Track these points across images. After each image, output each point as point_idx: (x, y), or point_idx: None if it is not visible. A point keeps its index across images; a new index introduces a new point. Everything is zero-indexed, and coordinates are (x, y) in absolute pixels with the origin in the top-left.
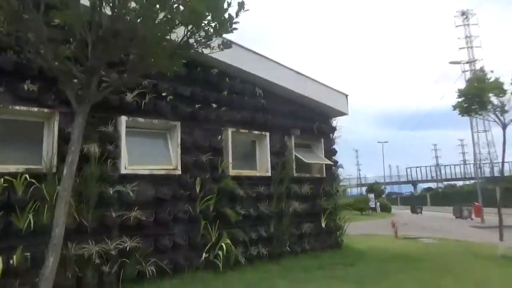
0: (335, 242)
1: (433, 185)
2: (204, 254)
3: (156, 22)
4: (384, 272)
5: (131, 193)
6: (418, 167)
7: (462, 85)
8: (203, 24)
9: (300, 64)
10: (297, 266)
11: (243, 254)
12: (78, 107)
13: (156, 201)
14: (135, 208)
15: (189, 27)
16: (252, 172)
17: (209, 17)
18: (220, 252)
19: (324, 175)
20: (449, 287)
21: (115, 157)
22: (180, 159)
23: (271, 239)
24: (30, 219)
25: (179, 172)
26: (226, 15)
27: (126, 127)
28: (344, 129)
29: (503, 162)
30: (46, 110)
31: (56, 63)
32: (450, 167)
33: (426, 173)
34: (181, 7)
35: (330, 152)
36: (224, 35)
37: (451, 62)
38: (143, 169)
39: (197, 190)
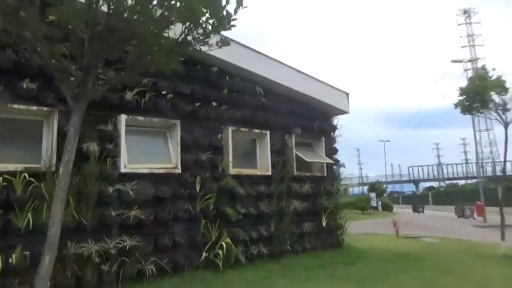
0: (336, 241)
1: (435, 184)
2: (204, 253)
3: (153, 19)
4: (385, 271)
5: (130, 192)
6: (420, 166)
7: (464, 83)
8: (201, 21)
9: (300, 63)
10: (298, 265)
11: (244, 253)
12: (74, 105)
13: (156, 200)
14: (135, 207)
15: (187, 24)
16: (253, 170)
17: (207, 15)
18: (220, 251)
19: (325, 174)
20: (450, 287)
21: (115, 155)
22: (180, 157)
23: (271, 238)
24: (29, 218)
25: (179, 170)
26: (224, 12)
27: (126, 125)
28: (346, 128)
29: (505, 161)
30: (45, 108)
31: (53, 60)
32: (452, 166)
33: (428, 172)
34: (178, 4)
35: (331, 151)
36: (224, 33)
37: (453, 61)
38: (142, 168)
39: (197, 188)
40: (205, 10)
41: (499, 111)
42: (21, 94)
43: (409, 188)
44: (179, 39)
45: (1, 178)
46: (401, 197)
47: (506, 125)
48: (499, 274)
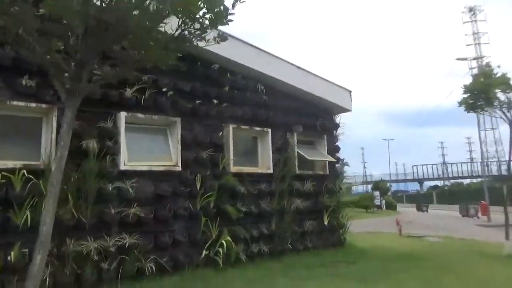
0: (338, 240)
1: (439, 183)
2: (204, 251)
3: (147, 13)
4: (386, 270)
5: (130, 190)
6: (424, 165)
7: (469, 82)
8: (197, 16)
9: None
10: (299, 264)
11: (244, 252)
12: (68, 100)
13: (156, 197)
14: (135, 205)
15: (183, 19)
16: (254, 169)
17: (204, 9)
18: (220, 249)
19: (327, 172)
20: (451, 287)
21: (114, 153)
22: (180, 155)
23: (272, 236)
24: (27, 215)
25: (179, 168)
26: (222, 7)
27: (126, 122)
28: (350, 126)
29: (510, 160)
30: (44, 105)
31: (48, 56)
32: (457, 165)
33: (433, 171)
34: None
35: (333, 149)
36: (223, 29)
37: (458, 59)
38: (142, 165)
39: (198, 186)
40: (202, 5)
41: (504, 109)
42: (20, 91)
43: (413, 187)
44: (175, 34)
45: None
46: (405, 196)
47: (511, 124)
48: (502, 274)
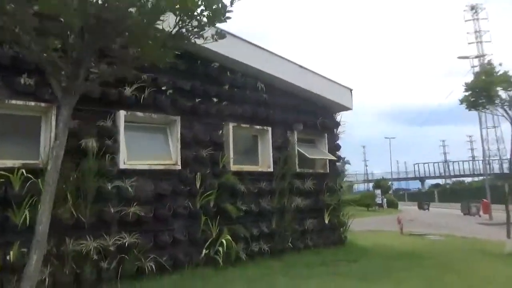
0: (339, 239)
1: (441, 181)
2: (204, 250)
3: (143, 9)
4: (387, 269)
5: (130, 189)
6: (426, 163)
7: (471, 80)
8: (195, 13)
9: (304, 60)
10: (299, 262)
11: (244, 250)
12: (64, 99)
13: (155, 196)
14: (134, 204)
15: (180, 16)
16: (254, 167)
17: (202, 7)
18: (220, 248)
19: (328, 171)
20: (453, 285)
21: (114, 152)
22: (180, 154)
23: (273, 235)
24: (26, 214)
25: (179, 167)
26: (220, 4)
27: (125, 121)
28: (352, 125)
29: (511, 158)
30: (43, 104)
31: (44, 54)
32: (459, 164)
33: (434, 169)
34: None
35: (334, 148)
36: (222, 26)
37: (460, 57)
38: (142, 164)
39: (197, 185)
40: (199, 2)
41: (505, 107)
42: (18, 90)
43: (415, 185)
44: (174, 32)
45: None
46: (407, 194)
47: None
48: (504, 272)
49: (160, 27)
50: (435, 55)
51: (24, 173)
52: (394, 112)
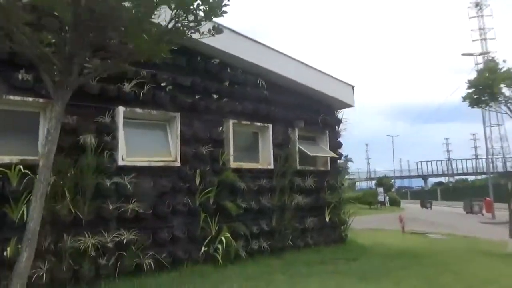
0: (339, 237)
1: (444, 179)
2: (203, 247)
3: (136, 2)
4: (387, 267)
5: (128, 185)
6: (428, 161)
7: (474, 77)
8: (191, 8)
9: (306, 57)
10: (299, 261)
11: (244, 248)
12: (56, 94)
13: (154, 193)
14: (133, 200)
15: (176, 10)
16: (254, 164)
17: (198, 1)
18: (220, 246)
19: (329, 168)
20: (452, 285)
21: (112, 148)
22: (179, 150)
23: (273, 233)
24: (23, 210)
25: (178, 164)
26: None
27: (124, 118)
28: (355, 122)
29: None
30: (41, 100)
31: (38, 50)
32: (462, 162)
33: (437, 168)
34: None
35: (336, 145)
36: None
37: (464, 54)
38: (141, 161)
39: (197, 182)
40: None
41: (509, 104)
42: (16, 85)
43: (417, 184)
44: (171, 26)
45: None
46: (410, 192)
47: None
48: (504, 272)
49: (156, 21)
50: (439, 53)
51: (22, 169)
52: (398, 109)
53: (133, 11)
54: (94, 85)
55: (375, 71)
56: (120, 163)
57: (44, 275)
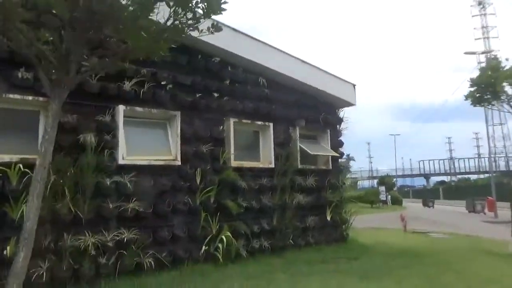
0: (341, 236)
1: (446, 178)
2: (204, 246)
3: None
4: (388, 267)
5: (129, 184)
6: (431, 160)
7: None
8: (190, 5)
9: (308, 56)
10: (300, 260)
11: (245, 247)
12: (53, 92)
13: (155, 192)
14: (133, 199)
15: (174, 8)
16: (255, 163)
17: None
18: (220, 245)
19: (330, 167)
20: (453, 285)
21: (113, 147)
22: (180, 149)
23: (273, 232)
24: (23, 209)
25: (178, 162)
26: None
27: (124, 116)
28: (357, 121)
29: None
30: (41, 98)
31: (34, 47)
32: (464, 161)
33: (439, 167)
34: None
35: (337, 144)
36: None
37: (467, 53)
38: (141, 160)
39: (197, 181)
40: None
41: (511, 103)
42: (16, 84)
43: (420, 182)
44: (170, 24)
45: None
46: (412, 191)
47: None
48: (506, 272)
49: (154, 19)
50: (441, 51)
51: (22, 168)
52: (400, 108)
53: (131, 8)
54: (94, 83)
55: (377, 70)
56: (120, 162)
57: (44, 274)
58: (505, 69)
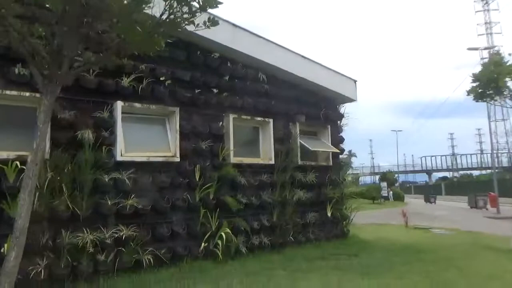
0: (341, 232)
1: (448, 174)
2: (203, 243)
3: None
4: (388, 263)
5: (127, 181)
6: (433, 156)
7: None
8: None
9: (310, 52)
10: (300, 256)
11: (244, 244)
12: (45, 88)
13: (153, 188)
14: (132, 196)
15: (170, 1)
16: (255, 159)
17: None
18: (220, 241)
19: (331, 163)
20: (454, 281)
21: (111, 143)
22: (179, 146)
23: (273, 228)
24: None
25: (177, 159)
26: None
27: (122, 112)
28: (359, 117)
29: None
30: (38, 95)
31: (27, 42)
32: (467, 157)
33: (441, 163)
34: None
35: (337, 140)
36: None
37: (470, 49)
38: (140, 156)
39: (197, 177)
40: None
41: None
42: (13, 80)
43: (422, 178)
44: (165, 18)
45: None
46: (414, 187)
47: None
48: (507, 268)
49: (150, 12)
50: (444, 47)
51: (19, 165)
52: (402, 104)
53: (125, 1)
54: (92, 79)
55: (380, 67)
56: (119, 158)
57: (42, 271)
58: (508, 64)
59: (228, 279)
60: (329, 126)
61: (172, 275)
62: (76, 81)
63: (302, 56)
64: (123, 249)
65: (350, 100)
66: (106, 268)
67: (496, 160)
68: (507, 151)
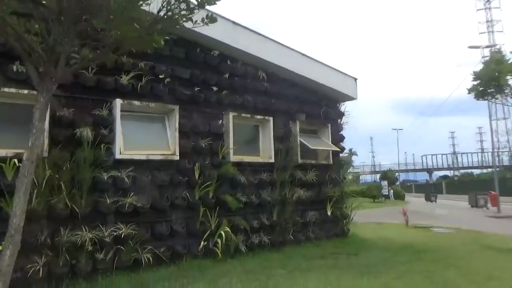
0: (341, 231)
1: (449, 173)
2: (202, 242)
3: None
4: (388, 262)
5: (126, 179)
6: (433, 154)
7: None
8: None
9: (310, 50)
10: (300, 255)
11: (244, 242)
12: (40, 85)
13: (153, 187)
14: (131, 194)
15: None
16: (255, 158)
17: None
18: (219, 240)
19: (331, 162)
20: (454, 280)
21: (110, 141)
22: (178, 144)
23: (273, 227)
24: None
25: (177, 157)
26: None
27: (121, 110)
28: (360, 116)
29: None
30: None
31: (22, 39)
32: (467, 155)
33: (442, 161)
34: None
35: (338, 138)
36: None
37: (471, 47)
38: (139, 154)
39: (196, 176)
40: None
41: None
42: (11, 77)
43: (422, 177)
44: (162, 15)
45: None
46: (414, 186)
47: None
48: (508, 268)
49: (147, 9)
50: (445, 45)
51: (17, 162)
52: (403, 103)
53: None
54: (90, 77)
55: (381, 66)
56: (118, 156)
57: (41, 269)
58: (509, 62)
59: (228, 278)
60: (329, 125)
61: (171, 273)
62: (75, 78)
63: (303, 54)
64: (122, 247)
65: (351, 98)
66: (105, 267)
67: (497, 159)
68: (508, 150)
